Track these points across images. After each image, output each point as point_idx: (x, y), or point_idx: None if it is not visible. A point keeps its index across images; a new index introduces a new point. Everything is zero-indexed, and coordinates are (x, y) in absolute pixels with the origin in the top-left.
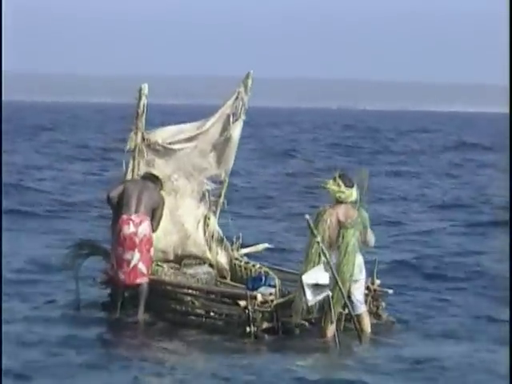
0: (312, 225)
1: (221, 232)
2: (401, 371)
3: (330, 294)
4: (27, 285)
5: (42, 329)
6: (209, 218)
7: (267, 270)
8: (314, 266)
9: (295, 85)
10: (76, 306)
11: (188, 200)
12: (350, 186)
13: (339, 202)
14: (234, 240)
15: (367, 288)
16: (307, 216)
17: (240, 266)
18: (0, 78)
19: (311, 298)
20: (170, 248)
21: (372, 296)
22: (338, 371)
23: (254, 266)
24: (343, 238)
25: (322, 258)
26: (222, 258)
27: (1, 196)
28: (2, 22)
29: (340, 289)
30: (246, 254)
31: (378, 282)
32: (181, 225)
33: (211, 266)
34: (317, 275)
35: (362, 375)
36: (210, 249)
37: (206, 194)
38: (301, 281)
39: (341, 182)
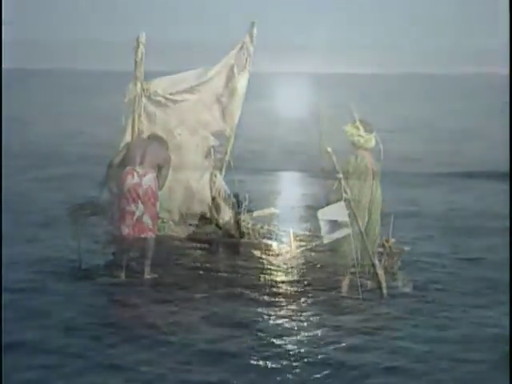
0: (335, 159)
1: (227, 189)
2: None
3: (351, 232)
4: None
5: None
6: (215, 176)
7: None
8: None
9: None
10: (78, 267)
11: (192, 156)
12: (369, 131)
13: (356, 147)
14: (241, 202)
15: (382, 245)
16: (329, 149)
17: (248, 228)
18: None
19: (327, 235)
20: (175, 207)
21: (387, 254)
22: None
23: (261, 227)
24: (376, 188)
25: (344, 195)
26: (227, 216)
27: (1, 197)
28: None
29: (368, 240)
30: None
31: (393, 240)
32: (186, 182)
33: (218, 226)
34: (335, 212)
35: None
36: (216, 207)
37: (212, 150)
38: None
39: (360, 126)
